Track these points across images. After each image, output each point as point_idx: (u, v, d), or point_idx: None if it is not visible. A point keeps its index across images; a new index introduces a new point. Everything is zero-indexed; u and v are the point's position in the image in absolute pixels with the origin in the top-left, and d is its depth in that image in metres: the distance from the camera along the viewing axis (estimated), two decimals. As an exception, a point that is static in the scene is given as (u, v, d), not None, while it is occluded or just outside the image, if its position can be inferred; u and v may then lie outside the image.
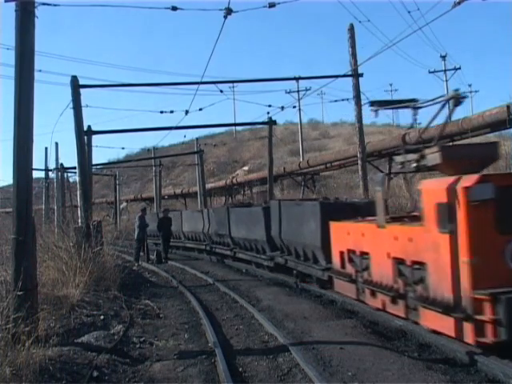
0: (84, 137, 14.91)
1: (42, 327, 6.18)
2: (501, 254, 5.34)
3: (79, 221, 14.11)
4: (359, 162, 16.50)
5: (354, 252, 8.29)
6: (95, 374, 5.42)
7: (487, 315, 5.10)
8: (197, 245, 19.05)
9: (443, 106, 6.63)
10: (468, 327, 5.33)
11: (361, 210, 9.12)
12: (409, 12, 13.81)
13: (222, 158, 57.50)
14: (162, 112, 19.82)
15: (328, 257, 9.25)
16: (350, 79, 16.31)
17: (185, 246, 20.50)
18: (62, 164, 31.04)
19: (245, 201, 25.26)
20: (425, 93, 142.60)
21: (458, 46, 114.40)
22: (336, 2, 14.11)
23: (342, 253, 8.71)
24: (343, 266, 8.69)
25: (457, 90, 6.57)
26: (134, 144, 61.85)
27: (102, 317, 8.09)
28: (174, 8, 10.69)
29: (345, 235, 8.61)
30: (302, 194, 28.47)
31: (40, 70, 14.49)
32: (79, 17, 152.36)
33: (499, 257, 5.33)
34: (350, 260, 8.44)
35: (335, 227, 9.01)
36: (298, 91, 37.13)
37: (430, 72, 33.34)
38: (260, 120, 23.77)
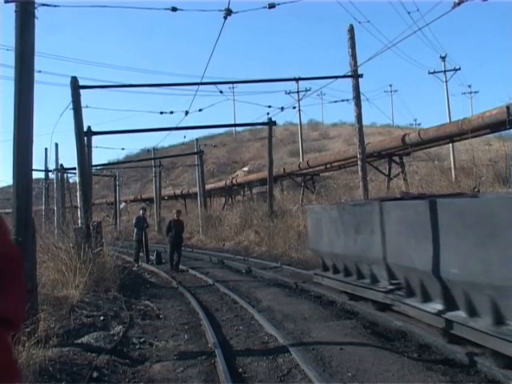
0: (84, 137, 14.94)
1: (42, 328, 6.16)
2: None
3: (79, 221, 14.11)
4: (359, 162, 16.50)
5: None
6: (95, 374, 5.41)
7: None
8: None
9: None
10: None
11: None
12: (408, 13, 13.89)
13: (221, 159, 57.52)
14: (161, 113, 19.93)
15: None
16: (349, 80, 16.33)
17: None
18: (61, 165, 31.10)
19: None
20: (425, 94, 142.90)
21: (457, 46, 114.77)
22: (336, 2, 14.15)
23: None
24: None
25: None
26: (134, 145, 62.27)
27: (101, 317, 8.07)
28: (174, 9, 10.71)
29: None
30: (301, 194, 28.49)
31: (40, 71, 14.53)
32: (79, 17, 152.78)
33: None
34: None
35: None
36: (298, 92, 37.20)
37: (429, 73, 33.28)
38: (260, 121, 23.87)
